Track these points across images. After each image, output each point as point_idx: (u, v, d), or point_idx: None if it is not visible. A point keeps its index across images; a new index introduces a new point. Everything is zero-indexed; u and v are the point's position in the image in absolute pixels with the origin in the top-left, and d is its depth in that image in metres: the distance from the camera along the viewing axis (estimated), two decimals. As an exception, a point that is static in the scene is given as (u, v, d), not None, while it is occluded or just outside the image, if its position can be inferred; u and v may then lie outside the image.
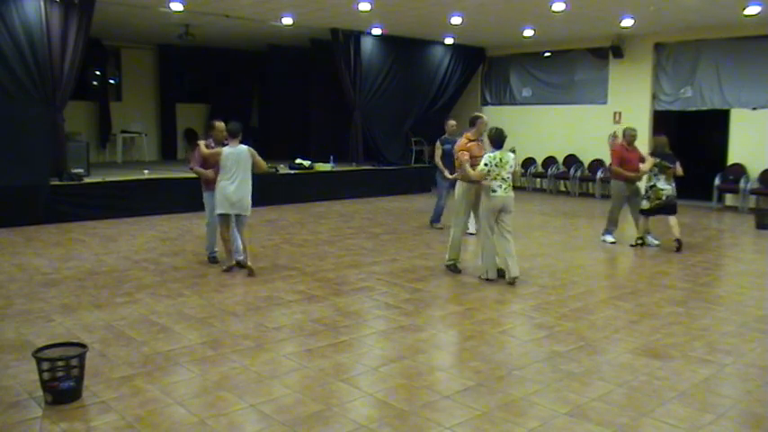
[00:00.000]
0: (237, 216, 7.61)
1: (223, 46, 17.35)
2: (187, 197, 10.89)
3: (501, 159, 7.18)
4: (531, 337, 5.60)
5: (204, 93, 19.06)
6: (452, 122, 10.75)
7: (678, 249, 9.08)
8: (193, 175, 8.51)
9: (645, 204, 9.28)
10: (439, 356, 5.14)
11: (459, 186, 7.77)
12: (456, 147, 7.91)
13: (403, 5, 11.85)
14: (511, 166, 7.28)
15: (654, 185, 9.17)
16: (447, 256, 7.94)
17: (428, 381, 4.59)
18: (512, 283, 7.22)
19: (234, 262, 7.79)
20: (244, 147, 7.54)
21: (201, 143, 7.81)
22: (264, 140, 19.32)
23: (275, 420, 3.94)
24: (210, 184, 7.76)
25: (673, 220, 9.22)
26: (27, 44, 10.46)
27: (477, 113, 8.13)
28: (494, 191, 7.21)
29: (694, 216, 12.76)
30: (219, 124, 7.82)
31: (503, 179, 7.22)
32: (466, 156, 7.45)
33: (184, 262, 8.19)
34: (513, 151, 7.62)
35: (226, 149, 7.51)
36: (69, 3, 10.67)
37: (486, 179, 7.22)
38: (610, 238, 9.67)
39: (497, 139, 7.29)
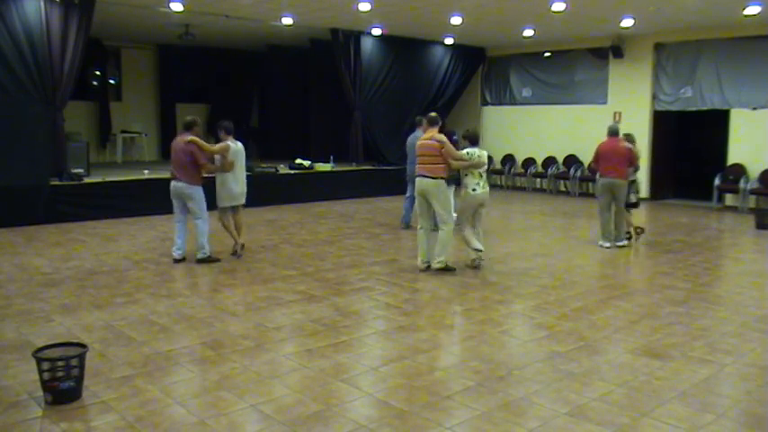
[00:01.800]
0: (235, 206, 8.49)
1: (223, 46, 17.35)
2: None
3: (479, 156, 7.71)
4: (531, 337, 5.60)
5: (204, 93, 19.05)
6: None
7: (642, 233, 9.92)
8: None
9: (633, 198, 9.71)
10: (439, 356, 5.14)
11: (446, 186, 7.80)
12: (436, 142, 7.64)
13: (403, 5, 11.85)
14: (485, 164, 7.87)
15: (634, 181, 9.70)
16: (442, 258, 7.73)
17: (428, 381, 4.59)
18: (477, 267, 7.87)
19: (240, 246, 8.50)
20: (239, 143, 8.51)
21: (199, 140, 8.01)
22: (264, 140, 19.39)
23: (275, 420, 3.94)
24: (200, 178, 8.15)
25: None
26: (27, 44, 10.47)
27: (434, 113, 8.09)
28: (473, 189, 7.76)
29: (694, 216, 12.76)
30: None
31: (480, 176, 7.77)
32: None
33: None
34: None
35: (231, 145, 8.21)
36: (69, 3, 10.67)
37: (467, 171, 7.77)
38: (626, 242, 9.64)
39: (474, 137, 7.91)
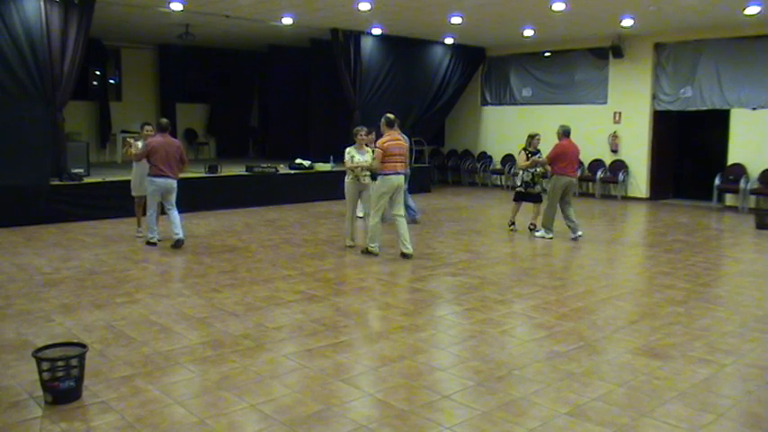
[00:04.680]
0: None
1: (223, 46, 17.36)
2: (186, 197, 10.89)
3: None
4: (531, 337, 5.60)
5: (204, 93, 19.05)
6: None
7: (534, 228, 10.39)
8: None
9: (538, 189, 10.51)
10: (439, 356, 5.14)
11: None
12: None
13: (403, 5, 11.85)
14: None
15: (540, 174, 10.48)
16: (375, 242, 8.56)
17: (428, 381, 4.59)
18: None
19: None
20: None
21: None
22: (264, 140, 19.39)
23: (275, 420, 3.94)
24: None
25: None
26: (27, 44, 10.46)
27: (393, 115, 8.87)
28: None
29: (694, 216, 12.76)
30: None
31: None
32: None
33: (184, 262, 8.20)
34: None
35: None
36: (69, 3, 10.67)
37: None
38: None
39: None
